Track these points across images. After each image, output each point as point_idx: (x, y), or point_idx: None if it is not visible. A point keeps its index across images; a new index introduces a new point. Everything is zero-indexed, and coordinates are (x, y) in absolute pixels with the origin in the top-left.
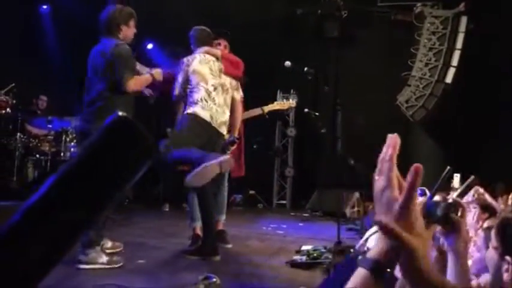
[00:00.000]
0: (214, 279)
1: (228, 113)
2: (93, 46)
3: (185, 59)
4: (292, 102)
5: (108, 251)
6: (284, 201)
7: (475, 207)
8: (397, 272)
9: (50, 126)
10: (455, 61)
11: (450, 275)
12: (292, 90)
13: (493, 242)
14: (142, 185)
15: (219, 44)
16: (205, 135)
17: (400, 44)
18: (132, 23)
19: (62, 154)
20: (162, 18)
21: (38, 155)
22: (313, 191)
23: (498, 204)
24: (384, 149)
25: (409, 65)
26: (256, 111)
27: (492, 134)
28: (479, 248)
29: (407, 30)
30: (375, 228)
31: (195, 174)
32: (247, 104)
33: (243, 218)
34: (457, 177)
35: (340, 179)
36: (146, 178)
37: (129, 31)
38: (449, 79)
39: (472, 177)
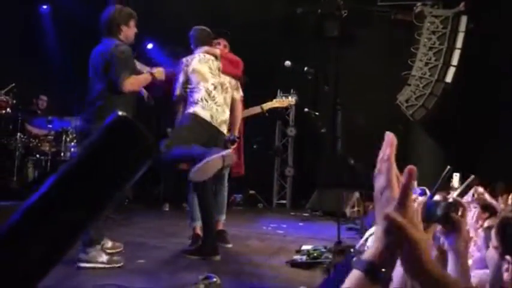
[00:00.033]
0: (215, 279)
1: (228, 112)
2: (94, 46)
3: (184, 59)
4: (291, 100)
5: (108, 251)
6: (284, 201)
7: (475, 207)
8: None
9: (50, 126)
10: (455, 60)
11: (451, 273)
12: (292, 90)
13: (493, 241)
14: (142, 184)
15: (219, 44)
16: (206, 134)
17: (400, 44)
18: (132, 23)
19: (62, 154)
20: (162, 18)
21: (38, 155)
22: (313, 191)
23: (498, 204)
24: (383, 148)
25: (409, 64)
26: (256, 110)
27: (492, 134)
28: (479, 248)
29: (408, 30)
30: (375, 227)
31: (197, 169)
32: (248, 104)
33: (243, 217)
34: (456, 177)
35: (340, 178)
36: (146, 178)
37: (129, 31)
38: (449, 78)
39: (472, 176)
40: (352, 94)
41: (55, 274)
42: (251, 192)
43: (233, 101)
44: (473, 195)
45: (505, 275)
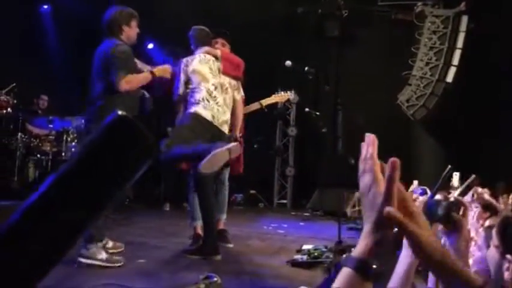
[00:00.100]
0: (215, 279)
1: (228, 113)
2: (94, 46)
3: (184, 60)
4: (289, 94)
5: (110, 251)
6: (285, 201)
7: (476, 207)
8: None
9: (51, 126)
10: (456, 60)
11: None
12: (292, 90)
13: (494, 240)
14: (143, 184)
15: (217, 43)
16: (207, 134)
17: (401, 43)
18: (133, 23)
19: (63, 154)
20: (162, 18)
21: (39, 155)
22: (314, 191)
23: (499, 204)
24: (364, 149)
25: (409, 64)
26: (255, 106)
27: (493, 133)
28: (480, 247)
29: (408, 30)
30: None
31: (206, 161)
32: (248, 104)
33: (244, 217)
34: (456, 176)
35: (340, 178)
36: (147, 178)
37: (131, 31)
38: (450, 78)
39: (473, 176)
40: (352, 94)
41: (55, 274)
42: (252, 191)
43: (234, 101)
44: (472, 195)
45: (506, 274)
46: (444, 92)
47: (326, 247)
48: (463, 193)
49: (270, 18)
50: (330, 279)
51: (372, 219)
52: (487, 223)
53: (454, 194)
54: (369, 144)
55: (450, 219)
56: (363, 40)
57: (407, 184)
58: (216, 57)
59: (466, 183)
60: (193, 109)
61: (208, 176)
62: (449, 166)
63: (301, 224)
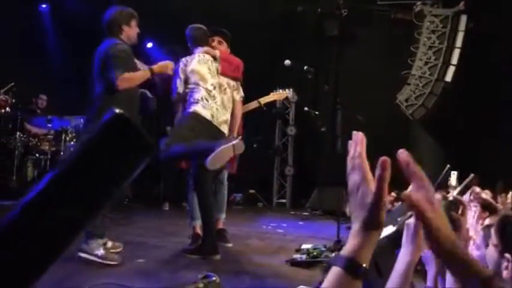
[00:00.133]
0: (214, 278)
1: (227, 113)
2: (93, 45)
3: (184, 59)
4: (288, 92)
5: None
6: (284, 200)
7: (475, 206)
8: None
9: (50, 125)
10: (455, 60)
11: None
12: (291, 88)
13: (493, 239)
14: (142, 184)
15: (214, 41)
16: (207, 133)
17: (400, 43)
18: (133, 23)
19: (61, 153)
20: (161, 17)
21: (37, 154)
22: (313, 190)
23: (498, 203)
24: (352, 147)
25: (408, 63)
26: (253, 104)
27: (492, 133)
28: (478, 247)
29: (407, 29)
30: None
31: (213, 157)
32: (246, 103)
33: (243, 216)
34: (454, 175)
35: (340, 177)
36: (146, 177)
37: (131, 31)
38: (449, 78)
39: (472, 175)
40: (352, 93)
41: (55, 273)
42: (251, 191)
43: (233, 102)
44: (470, 194)
45: (504, 273)
46: (443, 92)
47: (325, 246)
48: (462, 192)
49: (269, 17)
50: None
51: (360, 218)
52: (486, 222)
53: (452, 193)
54: (357, 143)
55: (449, 218)
56: (362, 39)
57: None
58: (215, 58)
59: (464, 183)
60: (192, 108)
61: (207, 176)
62: (448, 166)
63: (300, 223)
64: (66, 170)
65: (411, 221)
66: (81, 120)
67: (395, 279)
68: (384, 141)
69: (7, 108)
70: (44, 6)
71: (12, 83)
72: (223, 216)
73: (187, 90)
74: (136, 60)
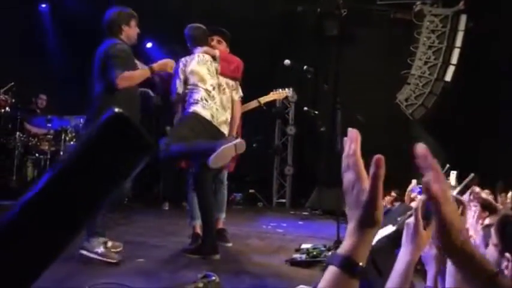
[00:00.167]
0: (214, 278)
1: (227, 113)
2: (93, 45)
3: (183, 59)
4: (288, 91)
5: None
6: (284, 200)
7: (475, 206)
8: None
9: (50, 125)
10: (454, 59)
11: (450, 272)
12: (291, 88)
13: (493, 239)
14: (142, 183)
15: (213, 40)
16: (206, 133)
17: (400, 43)
18: (133, 23)
19: (61, 153)
20: (161, 17)
21: (37, 154)
22: (313, 190)
23: (498, 203)
24: (347, 145)
25: (408, 63)
26: (253, 104)
27: (492, 132)
28: (478, 246)
29: (407, 29)
30: (348, 224)
31: (215, 156)
32: (246, 103)
33: (243, 216)
34: (453, 175)
35: (339, 177)
36: (146, 176)
37: (131, 31)
38: (448, 77)
39: (472, 175)
40: (351, 93)
41: (55, 273)
42: (251, 191)
43: (232, 101)
44: (470, 193)
45: (505, 272)
46: (443, 91)
47: (325, 246)
48: (462, 192)
49: (269, 17)
50: None
51: (356, 216)
52: (486, 222)
53: (452, 193)
54: (352, 140)
55: None
56: (362, 39)
57: (406, 183)
58: (214, 57)
59: (464, 182)
60: (192, 109)
61: (207, 175)
62: (448, 165)
63: (300, 223)
64: (65, 169)
65: (411, 220)
66: (81, 120)
67: (395, 279)
68: (383, 140)
69: (7, 108)
70: (43, 6)
71: (12, 83)
72: (223, 215)
73: (186, 91)
74: (137, 62)
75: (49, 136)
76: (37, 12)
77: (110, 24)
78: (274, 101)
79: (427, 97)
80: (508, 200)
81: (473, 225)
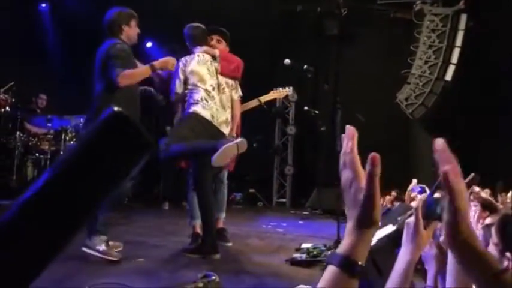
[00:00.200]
0: (214, 277)
1: (227, 113)
2: (94, 44)
3: (183, 59)
4: (288, 90)
5: None
6: (284, 200)
7: (476, 205)
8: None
9: (50, 125)
10: (455, 59)
11: (450, 272)
12: (291, 87)
13: (494, 238)
14: (142, 183)
15: (212, 39)
16: (206, 133)
17: (400, 42)
18: (133, 23)
19: (61, 153)
20: (161, 17)
21: (37, 154)
22: (313, 189)
23: (498, 203)
24: (344, 142)
25: (408, 62)
26: (253, 103)
27: (492, 132)
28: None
29: (407, 28)
30: (347, 223)
31: (218, 155)
32: (245, 103)
33: (243, 216)
34: None
35: (339, 177)
36: (146, 176)
37: (131, 31)
38: (449, 77)
39: (472, 174)
40: (351, 93)
41: (55, 273)
42: (251, 190)
43: (231, 101)
44: (470, 193)
45: None
46: (443, 91)
47: (325, 246)
48: None
49: (269, 17)
50: None
51: (354, 215)
52: (486, 222)
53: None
54: (349, 138)
55: None
56: (362, 39)
57: (406, 183)
58: (214, 57)
59: (464, 182)
60: (192, 109)
61: (207, 175)
62: None
63: (300, 222)
64: (65, 168)
65: (411, 220)
66: (81, 119)
67: (396, 279)
68: (383, 140)
69: (7, 108)
70: (43, 5)
71: (12, 83)
72: (223, 215)
73: (186, 91)
74: (137, 62)
75: (49, 136)
76: (37, 12)
77: (110, 24)
78: (274, 100)
79: (427, 96)
80: (508, 200)
81: (474, 225)
